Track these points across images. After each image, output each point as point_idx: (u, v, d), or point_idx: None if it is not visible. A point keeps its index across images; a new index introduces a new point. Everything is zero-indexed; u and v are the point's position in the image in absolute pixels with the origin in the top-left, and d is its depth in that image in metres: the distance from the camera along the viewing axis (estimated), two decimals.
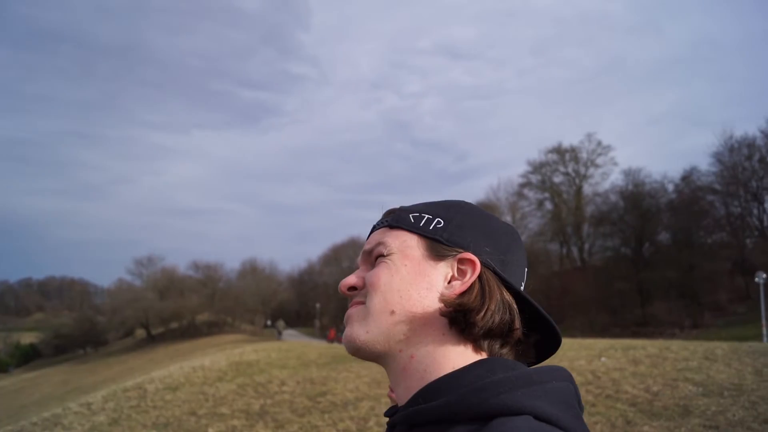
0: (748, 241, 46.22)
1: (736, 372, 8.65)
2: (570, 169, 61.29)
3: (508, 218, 61.83)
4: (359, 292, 0.88)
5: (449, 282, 0.82)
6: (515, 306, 0.82)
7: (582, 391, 4.72)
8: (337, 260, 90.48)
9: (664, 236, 48.57)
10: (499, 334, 0.80)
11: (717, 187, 48.45)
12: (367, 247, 0.91)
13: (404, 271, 0.83)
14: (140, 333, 68.21)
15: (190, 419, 8.71)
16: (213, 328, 61.71)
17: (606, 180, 58.91)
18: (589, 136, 61.71)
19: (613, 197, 52.62)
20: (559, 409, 0.69)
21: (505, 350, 0.82)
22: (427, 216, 0.88)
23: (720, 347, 11.64)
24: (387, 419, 0.86)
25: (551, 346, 0.89)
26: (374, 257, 0.89)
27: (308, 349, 20.28)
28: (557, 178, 61.97)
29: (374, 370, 11.86)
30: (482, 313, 0.78)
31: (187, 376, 13.26)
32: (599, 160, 59.95)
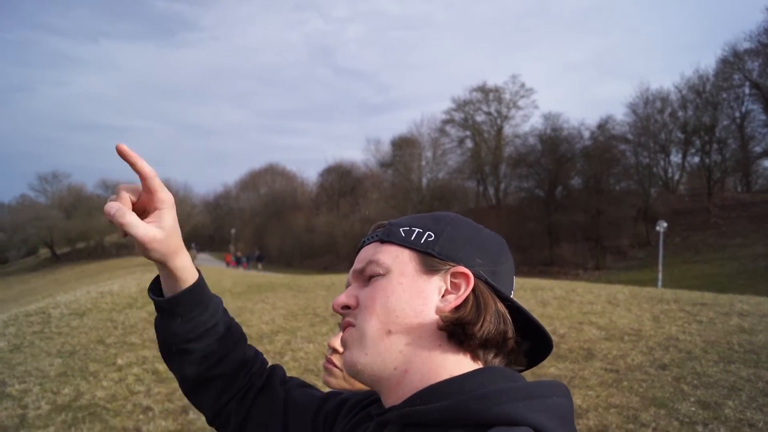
0: (652, 190, 48.77)
1: (636, 318, 9.14)
2: (492, 109, 62.11)
3: (428, 154, 62.37)
4: (352, 311, 0.88)
5: (443, 296, 0.83)
6: (508, 316, 0.84)
7: None
8: (255, 186, 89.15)
9: (576, 181, 50.45)
10: (495, 344, 0.82)
11: (629, 137, 50.56)
12: (358, 265, 0.90)
13: (400, 290, 0.83)
14: (44, 252, 65.47)
15: (98, 348, 8.39)
16: (122, 250, 59.96)
17: (526, 122, 60.41)
18: (513, 77, 62.80)
19: (531, 140, 53.93)
20: (558, 424, 0.70)
21: (498, 359, 0.83)
22: (417, 230, 0.88)
23: (621, 291, 12.29)
24: (367, 413, 0.89)
25: (542, 353, 0.89)
26: (367, 276, 0.88)
27: (223, 277, 20.01)
28: (479, 117, 62.74)
29: (290, 302, 11.81)
30: (479, 325, 0.79)
31: (95, 302, 12.76)
32: (521, 102, 61.07)
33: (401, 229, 0.89)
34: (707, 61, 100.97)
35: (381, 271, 0.86)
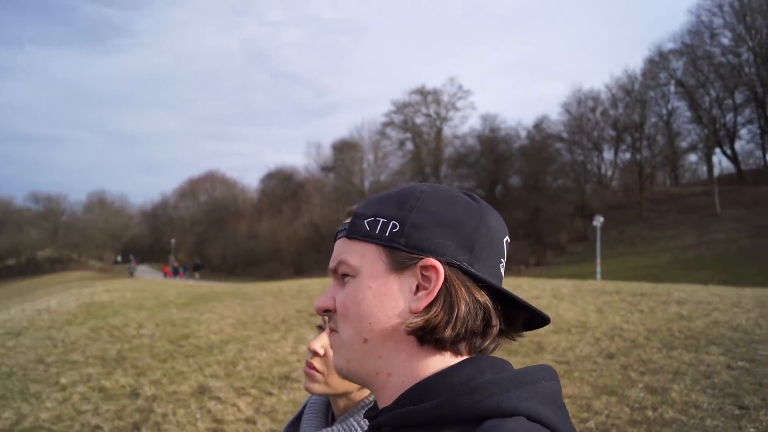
0: (587, 187, 50.28)
1: (581, 310, 9.41)
2: (432, 111, 62.83)
3: (370, 157, 62.51)
4: (333, 314, 0.84)
5: (416, 293, 0.77)
6: (490, 303, 0.77)
7: None
8: (195, 194, 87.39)
9: (515, 180, 51.64)
10: (476, 335, 0.77)
11: (564, 135, 52.05)
12: (332, 264, 0.85)
13: (369, 296, 0.78)
14: None
15: (38, 367, 8.03)
16: (56, 265, 57.79)
17: (465, 123, 61.36)
18: (451, 79, 63.63)
19: (470, 141, 54.84)
20: (550, 409, 0.69)
21: (487, 343, 0.79)
22: (381, 220, 0.81)
23: (565, 285, 12.63)
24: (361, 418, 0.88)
25: (538, 323, 0.83)
26: (340, 275, 0.83)
27: (166, 288, 19.50)
28: (419, 119, 63.42)
29: (238, 311, 11.61)
30: (449, 328, 0.75)
31: (31, 320, 12.22)
32: (459, 104, 62.03)
33: (366, 222, 0.82)
34: (635, 61, 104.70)
35: (350, 273, 0.81)
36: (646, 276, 23.62)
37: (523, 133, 52.72)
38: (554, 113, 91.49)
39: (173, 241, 68.81)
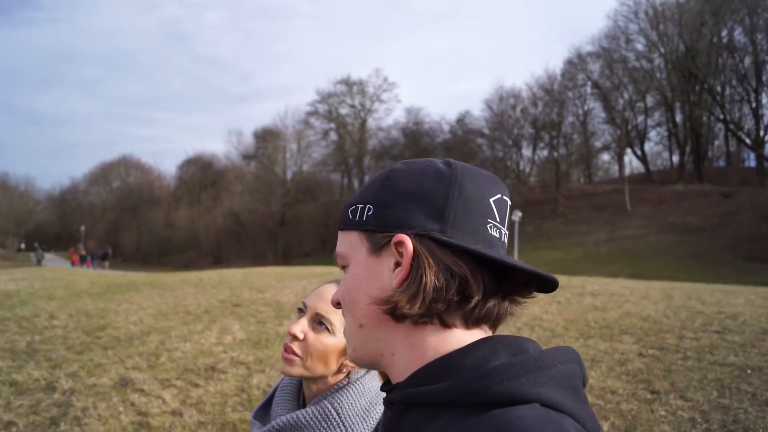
0: (507, 182, 51.54)
1: None
2: (357, 102, 62.94)
3: (293, 146, 61.88)
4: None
5: (393, 270, 0.77)
6: (468, 271, 0.74)
7: None
8: (107, 179, 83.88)
9: None
10: (453, 307, 0.75)
11: (486, 131, 53.27)
12: (335, 257, 0.88)
13: (357, 282, 0.81)
14: None
15: None
16: None
17: (389, 116, 61.81)
18: (376, 71, 64.00)
19: (395, 133, 55.22)
20: (565, 393, 0.68)
21: (477, 312, 0.75)
22: (360, 206, 0.82)
23: None
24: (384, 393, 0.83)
25: (544, 286, 0.79)
26: (342, 268, 0.87)
27: (77, 277, 18.59)
28: (344, 110, 63.37)
29: (157, 301, 11.23)
30: (415, 303, 0.74)
31: None
32: (384, 96, 62.39)
33: (349, 211, 0.84)
34: (556, 62, 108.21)
35: (344, 263, 0.84)
36: (561, 269, 24.56)
37: (447, 128, 53.73)
38: (477, 109, 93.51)
39: (83, 228, 65.72)
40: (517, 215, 31.03)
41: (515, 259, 0.76)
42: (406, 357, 0.77)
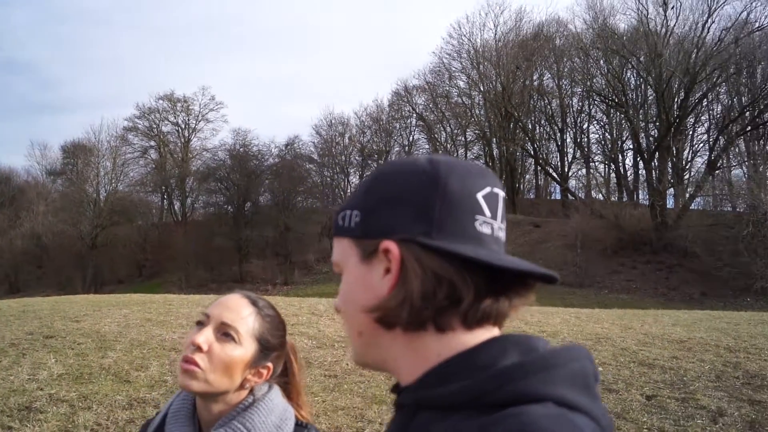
0: (335, 208, 51.78)
1: (339, 325, 9.11)
2: (180, 120, 60.28)
3: (108, 163, 57.14)
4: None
5: (383, 277, 0.76)
6: (455, 273, 0.72)
7: None
8: None
9: (266, 197, 51.16)
10: (444, 312, 0.73)
11: (314, 157, 53.22)
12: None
13: (350, 290, 0.80)
14: None
15: None
16: None
17: (216, 136, 59.46)
18: (203, 89, 61.52)
19: (221, 155, 53.16)
20: (578, 391, 0.67)
21: (473, 314, 0.73)
22: (348, 212, 0.80)
23: (320, 303, 12.72)
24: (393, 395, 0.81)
25: (547, 279, 0.77)
26: (338, 275, 0.84)
27: None
28: (166, 128, 60.50)
29: None
30: (403, 310, 0.73)
31: None
32: (211, 116, 60.45)
33: (339, 217, 0.81)
34: (384, 92, 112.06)
35: (339, 271, 0.82)
36: None
37: (276, 151, 52.77)
38: (306, 134, 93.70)
39: None
40: None
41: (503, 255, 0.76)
42: (409, 362, 0.76)
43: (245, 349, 1.37)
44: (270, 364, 1.45)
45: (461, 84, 51.54)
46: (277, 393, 1.47)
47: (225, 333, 1.37)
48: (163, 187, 58.43)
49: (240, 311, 1.41)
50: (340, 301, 0.82)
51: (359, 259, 0.77)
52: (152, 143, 59.86)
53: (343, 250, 0.80)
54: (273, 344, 1.45)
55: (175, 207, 59.64)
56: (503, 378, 0.66)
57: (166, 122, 60.01)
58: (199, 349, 1.34)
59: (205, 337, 1.35)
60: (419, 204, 0.74)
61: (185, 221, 55.75)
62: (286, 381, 1.55)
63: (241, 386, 1.39)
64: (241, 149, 51.67)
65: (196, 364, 1.33)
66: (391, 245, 0.73)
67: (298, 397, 1.55)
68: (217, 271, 44.52)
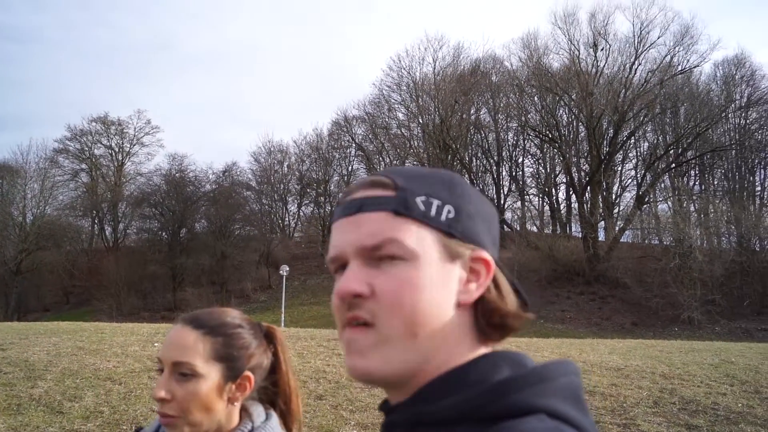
0: (273, 236, 51.45)
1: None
2: (114, 144, 58.78)
3: (35, 186, 54.99)
4: (363, 303, 0.72)
5: (465, 284, 0.75)
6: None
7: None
8: None
9: (202, 224, 50.35)
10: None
11: (253, 184, 52.81)
12: (369, 241, 0.72)
13: (430, 285, 0.71)
14: None
15: None
16: None
17: (151, 161, 58.31)
18: (138, 112, 60.55)
19: (156, 180, 52.08)
20: (570, 405, 0.68)
21: (497, 334, 0.77)
22: (436, 202, 0.74)
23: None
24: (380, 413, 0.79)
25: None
26: (382, 256, 0.72)
27: None
28: (98, 151, 58.90)
29: None
30: (503, 313, 0.75)
31: None
32: (146, 140, 59.29)
33: (418, 200, 0.73)
34: (324, 121, 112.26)
35: (403, 256, 0.71)
36: (327, 324, 24.49)
37: (213, 178, 52.09)
38: (244, 161, 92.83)
39: None
40: (285, 270, 30.99)
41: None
42: (433, 370, 0.73)
43: (208, 378, 1.34)
44: (248, 373, 1.40)
45: (400, 116, 52.45)
46: (275, 423, 1.44)
47: (181, 373, 1.34)
48: (94, 212, 56.54)
49: (185, 343, 1.37)
50: (397, 291, 0.70)
51: (441, 256, 0.72)
52: (84, 166, 58.03)
53: (423, 240, 0.71)
54: (238, 354, 1.40)
55: (107, 232, 57.74)
56: (498, 392, 0.66)
57: (99, 145, 58.43)
58: (164, 400, 1.33)
59: (163, 387, 1.33)
60: (495, 230, 0.79)
61: (117, 247, 53.99)
62: (274, 380, 1.50)
63: (230, 402, 1.38)
64: (177, 174, 50.76)
65: (170, 416, 1.32)
66: (488, 257, 0.74)
67: (289, 401, 1.51)
68: (150, 299, 43.33)
